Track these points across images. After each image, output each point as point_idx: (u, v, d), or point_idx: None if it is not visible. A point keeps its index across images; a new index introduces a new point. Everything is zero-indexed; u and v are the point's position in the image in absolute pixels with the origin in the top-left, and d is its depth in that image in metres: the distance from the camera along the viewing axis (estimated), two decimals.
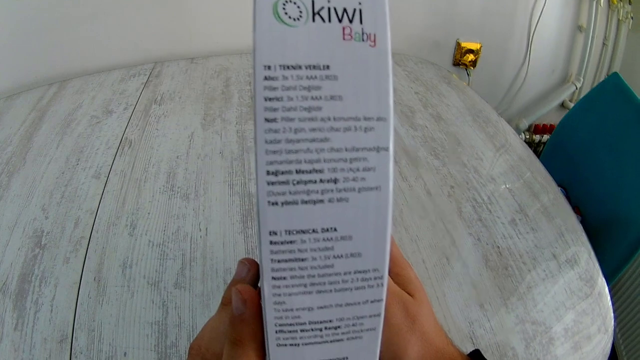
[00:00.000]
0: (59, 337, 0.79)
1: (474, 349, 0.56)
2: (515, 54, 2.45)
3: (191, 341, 0.51)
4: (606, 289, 0.95)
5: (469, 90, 1.64)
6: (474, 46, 2.32)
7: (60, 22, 1.66)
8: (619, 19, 2.45)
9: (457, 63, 2.37)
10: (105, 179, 1.12)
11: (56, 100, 1.49)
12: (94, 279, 0.88)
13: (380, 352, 0.50)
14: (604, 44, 2.55)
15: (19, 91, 1.56)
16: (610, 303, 0.92)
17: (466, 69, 2.38)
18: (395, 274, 0.54)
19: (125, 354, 0.77)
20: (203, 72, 1.65)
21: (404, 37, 2.18)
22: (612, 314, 0.90)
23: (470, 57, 2.34)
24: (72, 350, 0.77)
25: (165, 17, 1.80)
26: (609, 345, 0.86)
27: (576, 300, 0.89)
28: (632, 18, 2.41)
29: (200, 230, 0.99)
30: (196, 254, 0.93)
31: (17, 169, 1.17)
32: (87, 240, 0.97)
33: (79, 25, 1.69)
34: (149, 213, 1.03)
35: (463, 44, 2.31)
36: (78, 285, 0.88)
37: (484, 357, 0.55)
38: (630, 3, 2.38)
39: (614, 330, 0.89)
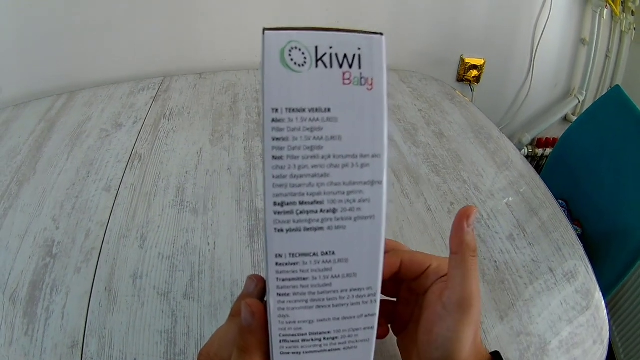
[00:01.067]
0: (70, 343, 0.80)
1: (494, 350, 0.59)
2: (518, 68, 2.46)
3: (199, 349, 0.53)
4: (603, 302, 0.95)
5: (472, 106, 1.65)
6: (477, 62, 2.33)
7: (70, 33, 1.68)
8: (622, 31, 2.45)
9: (461, 79, 2.38)
10: (116, 192, 1.14)
11: (65, 111, 1.50)
12: (105, 289, 0.90)
13: (432, 341, 0.55)
14: (606, 56, 2.55)
15: (27, 100, 1.58)
16: (606, 316, 0.93)
17: (470, 85, 2.40)
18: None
19: None
20: (211, 87, 1.67)
21: (408, 54, 2.19)
22: (607, 327, 0.91)
23: (474, 72, 2.35)
24: (83, 356, 0.79)
25: (174, 31, 1.82)
26: (604, 356, 0.87)
27: (572, 314, 0.90)
28: (635, 29, 2.42)
29: (208, 244, 1.01)
30: (204, 267, 0.95)
31: (27, 179, 1.18)
32: (98, 251, 0.99)
33: (88, 36, 1.71)
34: (158, 226, 1.05)
35: (467, 60, 2.32)
36: (89, 294, 0.89)
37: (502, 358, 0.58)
38: (633, 14, 2.38)
39: (609, 340, 0.90)
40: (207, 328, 0.84)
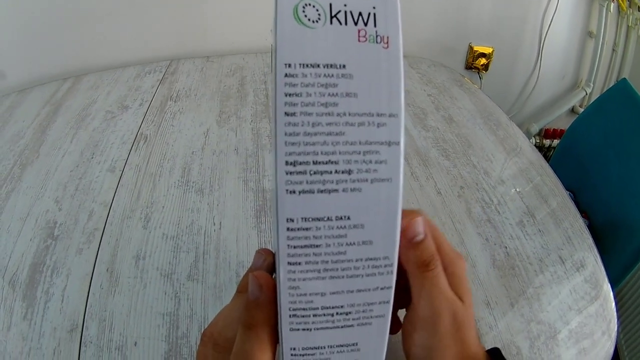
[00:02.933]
0: (69, 327, 0.80)
1: (493, 347, 0.57)
2: (526, 59, 2.46)
3: (202, 332, 0.52)
4: (611, 293, 0.94)
5: (481, 93, 1.65)
6: (486, 50, 2.32)
7: (75, 17, 1.67)
8: (628, 25, 2.45)
9: (469, 66, 2.38)
10: (120, 172, 1.13)
11: (70, 95, 1.50)
12: (107, 270, 0.89)
13: (412, 351, 0.52)
14: (613, 49, 2.55)
15: (33, 85, 1.58)
16: (614, 307, 0.92)
17: (478, 73, 2.39)
18: (451, 273, 0.54)
19: (135, 343, 0.77)
20: (218, 70, 1.66)
21: (418, 41, 2.18)
22: (616, 319, 0.90)
23: (483, 60, 2.34)
24: (82, 339, 0.78)
25: (181, 15, 1.81)
26: (612, 349, 0.86)
27: (581, 303, 0.89)
28: None
29: (214, 224, 1.00)
30: (209, 247, 0.94)
31: (31, 162, 1.18)
32: (101, 232, 0.98)
33: (94, 20, 1.70)
34: (163, 207, 1.04)
35: (475, 48, 2.31)
36: (90, 276, 0.88)
37: (502, 356, 0.56)
38: (639, 9, 2.38)
39: (617, 334, 0.89)
40: (211, 310, 0.83)
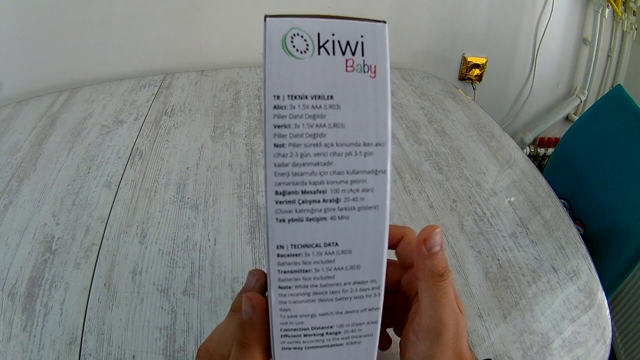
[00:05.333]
0: (69, 340, 0.80)
1: (486, 358, 0.58)
2: (520, 67, 2.46)
3: (199, 346, 0.53)
4: (605, 301, 0.94)
5: (474, 105, 1.65)
6: (479, 61, 2.33)
7: (71, 29, 1.68)
8: (623, 31, 2.45)
9: (463, 77, 2.38)
10: (116, 188, 1.13)
11: (66, 107, 1.50)
12: (104, 285, 0.90)
13: None
14: (608, 56, 2.55)
15: (29, 97, 1.58)
16: (609, 315, 0.92)
17: (472, 84, 2.39)
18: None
19: (133, 357, 0.78)
20: (213, 84, 1.66)
21: (411, 52, 2.19)
22: (610, 326, 0.90)
23: (476, 71, 2.34)
24: (82, 352, 0.78)
25: (176, 28, 1.82)
26: (607, 356, 0.86)
27: (575, 312, 0.90)
28: (636, 29, 2.41)
29: (209, 240, 1.00)
30: (205, 263, 0.95)
31: (28, 175, 1.18)
32: (98, 247, 0.98)
33: (89, 33, 1.71)
34: (159, 222, 1.04)
35: (469, 59, 2.32)
36: (88, 290, 0.89)
37: None
38: (634, 14, 2.38)
39: (612, 340, 0.89)
40: (207, 325, 0.83)
